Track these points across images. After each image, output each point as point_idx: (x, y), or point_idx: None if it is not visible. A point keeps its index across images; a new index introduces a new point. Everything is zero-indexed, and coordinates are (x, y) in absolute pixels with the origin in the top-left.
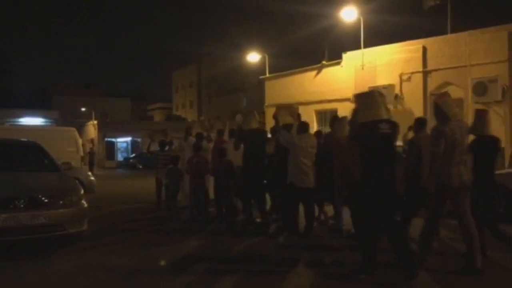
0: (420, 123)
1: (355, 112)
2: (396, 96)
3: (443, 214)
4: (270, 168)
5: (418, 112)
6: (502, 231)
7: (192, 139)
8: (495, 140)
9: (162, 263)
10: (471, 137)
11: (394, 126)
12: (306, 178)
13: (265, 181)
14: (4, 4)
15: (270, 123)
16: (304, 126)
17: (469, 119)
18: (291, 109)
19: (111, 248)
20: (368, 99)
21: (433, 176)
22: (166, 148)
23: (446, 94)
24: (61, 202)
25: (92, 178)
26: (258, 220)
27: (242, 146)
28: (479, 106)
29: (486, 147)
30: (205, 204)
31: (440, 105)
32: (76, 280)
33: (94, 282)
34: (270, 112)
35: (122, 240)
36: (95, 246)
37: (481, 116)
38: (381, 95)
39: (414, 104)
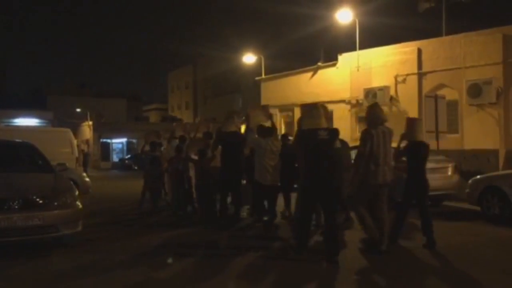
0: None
1: (300, 120)
2: (391, 98)
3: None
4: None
5: (413, 113)
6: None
7: (176, 141)
8: (424, 145)
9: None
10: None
11: (331, 133)
12: (270, 177)
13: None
14: None
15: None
16: (271, 130)
17: (463, 121)
18: (264, 109)
19: (105, 247)
20: (313, 111)
21: (359, 172)
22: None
23: (376, 104)
24: (55, 203)
25: (87, 179)
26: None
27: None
28: (474, 108)
29: (417, 151)
30: (184, 201)
31: (371, 111)
32: (71, 280)
33: (90, 282)
34: None
35: (116, 239)
36: (89, 246)
37: (411, 124)
38: (324, 107)
39: (409, 106)
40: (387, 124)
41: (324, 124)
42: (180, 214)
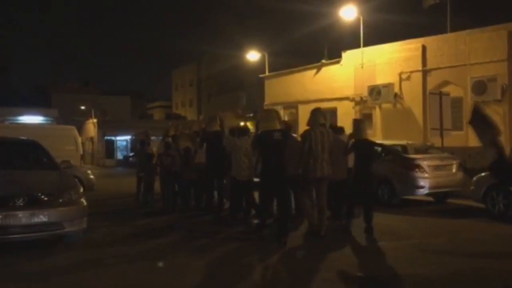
0: (336, 129)
1: (257, 123)
2: (395, 95)
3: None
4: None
5: (418, 111)
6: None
7: (169, 139)
8: (370, 143)
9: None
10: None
11: (284, 134)
12: (245, 173)
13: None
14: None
15: None
16: (244, 130)
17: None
18: (235, 112)
19: (109, 245)
20: (269, 114)
21: (301, 167)
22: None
23: (318, 109)
24: (60, 200)
25: (92, 176)
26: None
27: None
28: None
29: (363, 148)
30: (173, 194)
31: (312, 115)
32: (76, 277)
33: (94, 279)
34: None
35: (120, 237)
36: (94, 244)
37: (357, 124)
38: (277, 112)
39: (413, 103)
40: (386, 123)
41: (277, 126)
42: (166, 206)
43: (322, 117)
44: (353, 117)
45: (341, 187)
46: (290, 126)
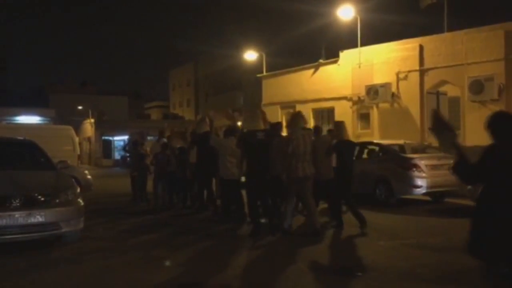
0: (316, 130)
1: (243, 123)
2: (392, 95)
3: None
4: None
5: (415, 110)
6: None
7: (163, 140)
8: (351, 143)
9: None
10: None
11: (267, 134)
12: (230, 172)
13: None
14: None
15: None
16: (231, 130)
17: (465, 118)
18: (225, 112)
19: (106, 245)
20: (254, 115)
21: (285, 169)
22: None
23: (298, 112)
24: (57, 200)
25: (89, 176)
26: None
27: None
28: (476, 105)
29: (344, 148)
30: (169, 193)
31: (293, 119)
32: (73, 277)
33: (91, 280)
34: (267, 111)
35: (117, 237)
36: (91, 244)
37: (338, 125)
38: (262, 112)
39: (411, 103)
40: (384, 123)
41: (261, 126)
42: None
43: (303, 120)
44: (351, 116)
45: (330, 187)
46: (278, 126)
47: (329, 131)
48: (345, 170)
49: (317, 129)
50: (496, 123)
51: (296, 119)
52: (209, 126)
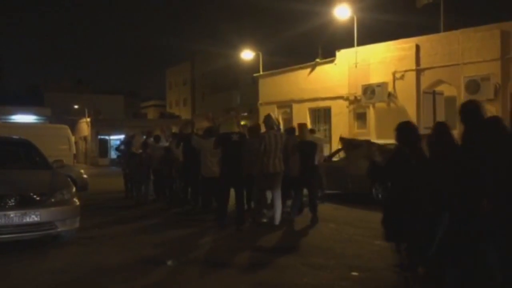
0: (288, 131)
1: (219, 126)
2: (389, 94)
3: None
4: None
5: (411, 110)
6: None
7: (151, 140)
8: (310, 143)
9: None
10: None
11: (242, 136)
12: (211, 171)
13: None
14: None
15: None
16: (210, 132)
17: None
18: (206, 115)
19: (102, 245)
20: (229, 119)
21: (259, 165)
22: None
23: (269, 115)
24: (52, 200)
25: (85, 176)
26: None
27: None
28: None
29: (306, 148)
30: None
31: (266, 120)
32: (68, 277)
33: (86, 280)
34: (263, 110)
35: (113, 236)
36: (86, 243)
37: (300, 128)
38: (237, 117)
39: (407, 102)
40: (380, 122)
41: (235, 129)
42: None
43: (274, 122)
44: (347, 116)
45: (295, 182)
46: (257, 128)
47: (287, 130)
48: (305, 168)
49: (289, 130)
50: (399, 132)
51: (268, 120)
52: (191, 127)
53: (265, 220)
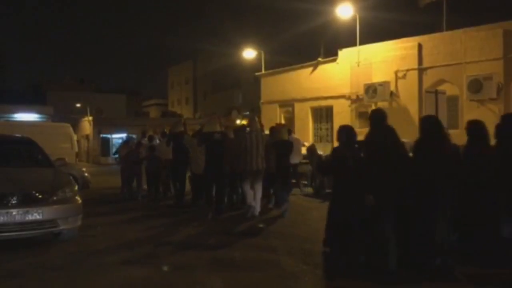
0: (271, 131)
1: (202, 126)
2: (391, 93)
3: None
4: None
5: (413, 109)
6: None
7: (145, 139)
8: (286, 142)
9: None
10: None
11: (223, 135)
12: (201, 168)
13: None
14: None
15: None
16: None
17: (464, 116)
18: (218, 120)
19: (104, 243)
20: (211, 119)
21: (243, 163)
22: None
23: (253, 116)
24: (55, 198)
25: (87, 174)
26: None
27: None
28: (474, 104)
29: (282, 147)
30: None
31: (250, 123)
32: (70, 275)
33: (88, 278)
34: (265, 109)
35: (115, 235)
36: (88, 241)
37: (277, 128)
38: (219, 118)
39: (409, 101)
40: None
41: (218, 129)
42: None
43: (258, 123)
44: (349, 115)
45: (272, 178)
46: (244, 129)
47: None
48: (282, 165)
49: (271, 130)
50: (339, 133)
51: (252, 122)
52: (183, 127)
53: (261, 225)
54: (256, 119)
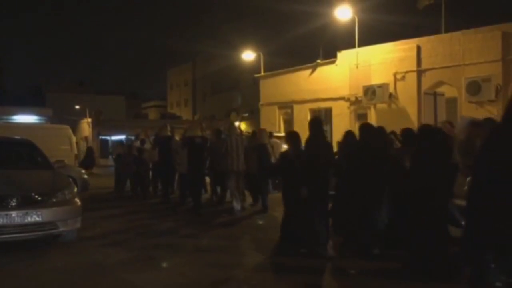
0: (253, 134)
1: (185, 131)
2: (390, 95)
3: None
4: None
5: (412, 111)
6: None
7: (137, 142)
8: (265, 146)
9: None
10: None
11: (204, 139)
12: (185, 168)
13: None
14: None
15: (264, 122)
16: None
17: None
18: (200, 125)
19: (103, 245)
20: (194, 125)
21: (224, 164)
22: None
23: (232, 123)
24: (54, 200)
25: (86, 176)
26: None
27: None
28: (473, 105)
29: (261, 150)
30: (123, 185)
31: (230, 127)
32: (69, 277)
33: (87, 280)
34: (264, 111)
35: (113, 234)
36: (87, 244)
37: (260, 132)
38: (201, 124)
39: (408, 103)
40: (381, 123)
41: (199, 133)
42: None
43: (237, 129)
44: (348, 117)
45: (254, 179)
46: (218, 132)
47: (253, 133)
48: (260, 167)
49: (253, 133)
50: (288, 138)
51: (232, 127)
52: (170, 132)
53: (260, 222)
54: (236, 124)
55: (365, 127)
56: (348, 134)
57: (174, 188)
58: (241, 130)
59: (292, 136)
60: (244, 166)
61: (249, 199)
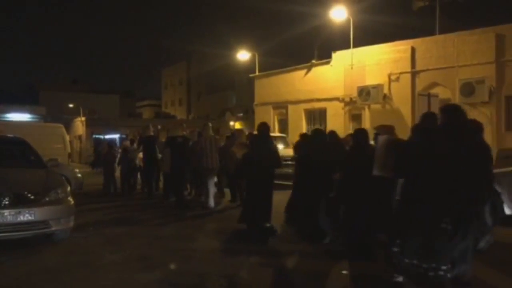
0: (232, 135)
1: (168, 131)
2: (384, 96)
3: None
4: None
5: (406, 112)
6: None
7: (127, 142)
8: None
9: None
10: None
11: (185, 139)
12: (168, 167)
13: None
14: None
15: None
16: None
17: None
18: (181, 125)
19: (96, 244)
20: (176, 125)
21: (199, 162)
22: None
23: (207, 124)
24: (47, 199)
25: (79, 175)
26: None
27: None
28: (466, 107)
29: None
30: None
31: (204, 128)
32: (62, 276)
33: (79, 279)
34: (259, 111)
35: (107, 236)
36: (80, 243)
37: (239, 132)
38: (181, 125)
39: (402, 104)
40: (375, 124)
41: (180, 133)
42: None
43: (210, 130)
44: (343, 117)
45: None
46: (196, 134)
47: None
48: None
49: (232, 134)
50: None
51: (205, 128)
52: (153, 132)
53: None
54: (210, 124)
55: (360, 132)
56: (305, 135)
57: (158, 186)
58: (218, 131)
59: (254, 140)
60: (218, 164)
61: (228, 196)
